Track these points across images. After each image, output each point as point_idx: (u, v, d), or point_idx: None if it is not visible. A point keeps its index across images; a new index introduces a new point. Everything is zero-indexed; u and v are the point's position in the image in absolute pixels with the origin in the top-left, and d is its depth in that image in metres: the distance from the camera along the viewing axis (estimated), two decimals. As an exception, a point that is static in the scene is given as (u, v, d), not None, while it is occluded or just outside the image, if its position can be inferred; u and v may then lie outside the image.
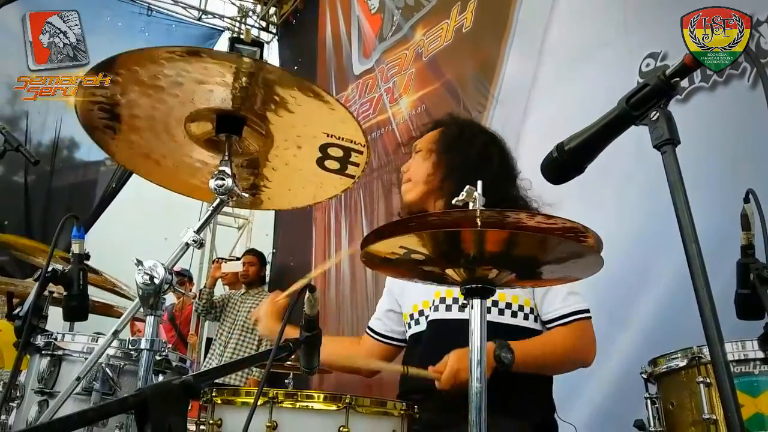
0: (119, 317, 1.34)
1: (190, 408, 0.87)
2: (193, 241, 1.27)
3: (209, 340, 5.87)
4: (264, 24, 7.61)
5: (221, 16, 7.54)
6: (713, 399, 1.34)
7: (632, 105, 1.03)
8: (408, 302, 2.06)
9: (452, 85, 4.44)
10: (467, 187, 1.27)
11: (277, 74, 1.25)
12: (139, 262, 1.19)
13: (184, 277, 5.98)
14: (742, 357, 1.35)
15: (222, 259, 5.97)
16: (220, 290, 5.60)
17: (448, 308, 1.91)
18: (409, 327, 2.06)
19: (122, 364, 1.61)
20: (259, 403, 1.36)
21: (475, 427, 1.19)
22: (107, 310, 2.97)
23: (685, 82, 2.74)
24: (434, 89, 4.59)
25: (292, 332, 1.34)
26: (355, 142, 1.35)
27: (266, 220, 6.86)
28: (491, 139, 2.06)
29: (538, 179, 1.27)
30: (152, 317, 1.22)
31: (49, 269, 1.54)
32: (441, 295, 1.93)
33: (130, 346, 1.60)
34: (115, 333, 1.28)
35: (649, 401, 1.53)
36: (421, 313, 2.00)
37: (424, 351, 1.89)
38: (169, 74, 1.22)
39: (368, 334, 2.19)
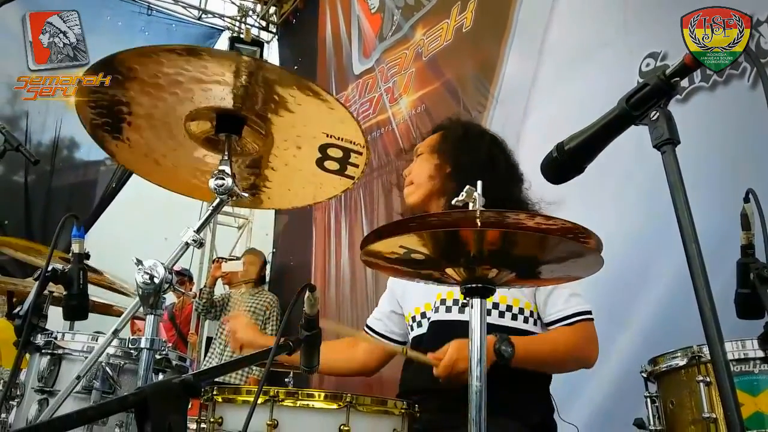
0: (119, 316, 1.34)
1: (190, 406, 0.88)
2: (193, 240, 1.27)
3: (209, 339, 5.86)
4: (264, 23, 7.60)
5: (221, 16, 7.53)
6: (713, 398, 1.35)
7: (632, 105, 1.03)
8: (409, 304, 2.07)
9: (452, 84, 4.43)
10: (467, 187, 1.27)
11: (276, 73, 1.25)
12: (139, 262, 1.19)
13: (184, 276, 5.98)
14: (742, 356, 1.35)
15: (222, 258, 5.97)
16: (220, 289, 5.61)
17: (449, 309, 1.91)
18: (412, 329, 2.06)
19: (122, 362, 1.62)
20: (259, 401, 1.36)
21: (475, 426, 1.19)
22: (107, 309, 2.98)
23: (685, 82, 2.73)
24: (434, 89, 4.59)
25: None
26: (354, 143, 1.35)
27: (266, 219, 6.85)
28: (495, 140, 2.07)
29: (539, 179, 1.27)
30: (152, 316, 1.22)
31: (49, 268, 1.54)
32: (442, 296, 1.93)
33: (130, 345, 1.60)
34: (115, 332, 1.28)
35: (648, 400, 1.54)
36: (422, 315, 2.00)
37: (425, 352, 1.89)
38: (169, 72, 1.22)
39: (368, 333, 2.19)
